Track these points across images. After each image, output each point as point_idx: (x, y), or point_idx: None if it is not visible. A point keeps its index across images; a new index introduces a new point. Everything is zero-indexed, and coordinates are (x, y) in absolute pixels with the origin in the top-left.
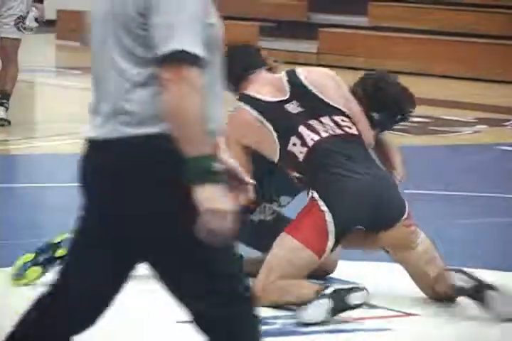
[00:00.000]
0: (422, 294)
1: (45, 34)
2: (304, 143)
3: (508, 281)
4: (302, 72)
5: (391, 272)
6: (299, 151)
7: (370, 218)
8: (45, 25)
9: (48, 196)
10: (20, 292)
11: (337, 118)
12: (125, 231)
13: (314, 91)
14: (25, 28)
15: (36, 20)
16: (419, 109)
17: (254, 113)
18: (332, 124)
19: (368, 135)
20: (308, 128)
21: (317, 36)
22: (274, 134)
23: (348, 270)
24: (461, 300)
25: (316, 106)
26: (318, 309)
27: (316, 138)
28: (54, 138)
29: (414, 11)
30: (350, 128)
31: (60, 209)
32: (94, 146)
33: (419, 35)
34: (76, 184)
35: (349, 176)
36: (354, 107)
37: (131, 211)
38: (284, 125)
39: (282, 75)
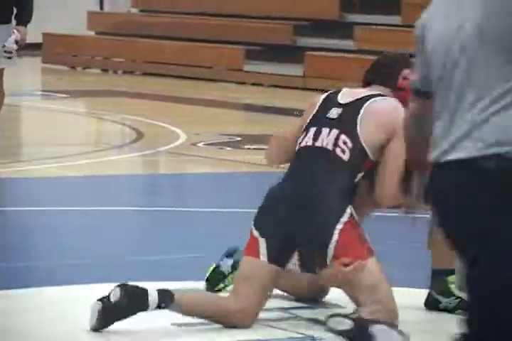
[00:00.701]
0: (409, 316)
1: (30, 58)
2: (300, 143)
3: None
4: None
5: None
6: (297, 147)
7: (282, 227)
8: (31, 48)
9: (35, 219)
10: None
11: (343, 136)
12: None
13: (361, 111)
14: (5, 51)
15: (17, 42)
16: None
17: (319, 102)
18: (332, 140)
19: (383, 188)
20: (315, 133)
21: (303, 60)
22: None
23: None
24: (446, 318)
25: (345, 121)
26: (93, 313)
27: (309, 143)
28: (41, 162)
29: (399, 35)
30: (342, 152)
31: (49, 232)
32: (449, 166)
33: None
34: (63, 207)
35: (279, 188)
36: (389, 153)
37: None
38: (312, 122)
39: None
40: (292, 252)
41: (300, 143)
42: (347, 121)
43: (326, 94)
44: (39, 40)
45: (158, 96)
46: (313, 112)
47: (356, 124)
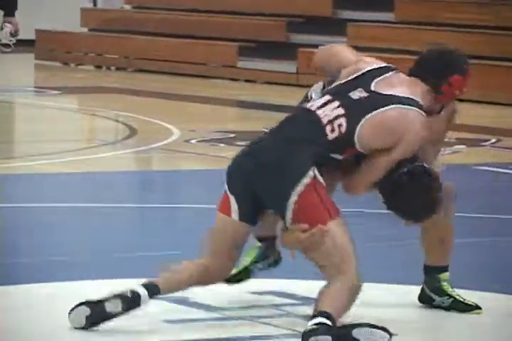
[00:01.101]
0: (397, 312)
1: (23, 54)
2: (308, 102)
3: (486, 302)
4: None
5: (371, 291)
6: (302, 106)
7: (248, 185)
8: (24, 45)
9: (26, 216)
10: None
11: (342, 120)
12: None
13: (376, 111)
14: (3, 45)
15: (12, 35)
16: None
17: (362, 71)
18: (332, 117)
19: (358, 181)
20: (326, 102)
21: (296, 56)
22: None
23: None
24: (438, 316)
25: (357, 109)
26: (78, 316)
27: (313, 108)
28: (33, 158)
29: (392, 32)
30: (332, 131)
31: (39, 229)
32: None
33: (397, 55)
34: (55, 204)
35: (250, 146)
36: (386, 154)
37: None
38: (334, 89)
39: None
40: (262, 211)
41: (308, 101)
42: (358, 111)
43: (375, 65)
44: (32, 36)
45: (152, 92)
46: (349, 78)
47: (361, 120)
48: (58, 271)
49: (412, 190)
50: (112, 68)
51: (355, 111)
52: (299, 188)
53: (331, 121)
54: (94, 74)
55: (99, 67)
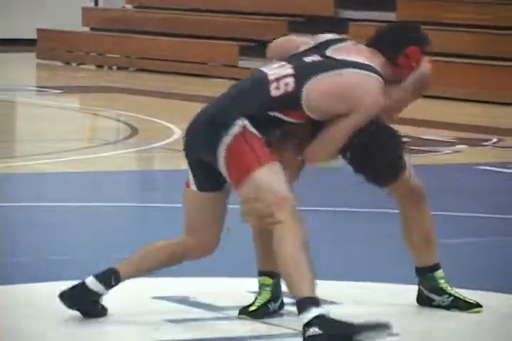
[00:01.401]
0: (397, 311)
1: (25, 53)
2: (262, 66)
3: (487, 301)
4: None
5: (371, 290)
6: (255, 70)
7: (193, 152)
8: (26, 44)
9: (26, 215)
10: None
11: (290, 79)
12: None
13: (328, 73)
14: None
15: None
16: (399, 129)
17: (318, 40)
18: (279, 75)
19: (318, 148)
20: (281, 64)
21: None
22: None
23: (326, 289)
24: (438, 315)
25: (308, 70)
26: None
27: (265, 70)
28: (35, 158)
29: None
30: (276, 88)
31: (41, 228)
32: None
33: None
34: (57, 203)
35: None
36: (343, 120)
37: None
38: (292, 55)
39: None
40: (217, 175)
41: (262, 66)
42: (308, 71)
43: (330, 37)
44: (33, 35)
45: (153, 92)
46: (307, 47)
47: (309, 80)
48: (59, 271)
49: (377, 147)
50: (114, 67)
51: (304, 72)
52: (229, 137)
53: (277, 79)
54: (96, 73)
55: (100, 66)
